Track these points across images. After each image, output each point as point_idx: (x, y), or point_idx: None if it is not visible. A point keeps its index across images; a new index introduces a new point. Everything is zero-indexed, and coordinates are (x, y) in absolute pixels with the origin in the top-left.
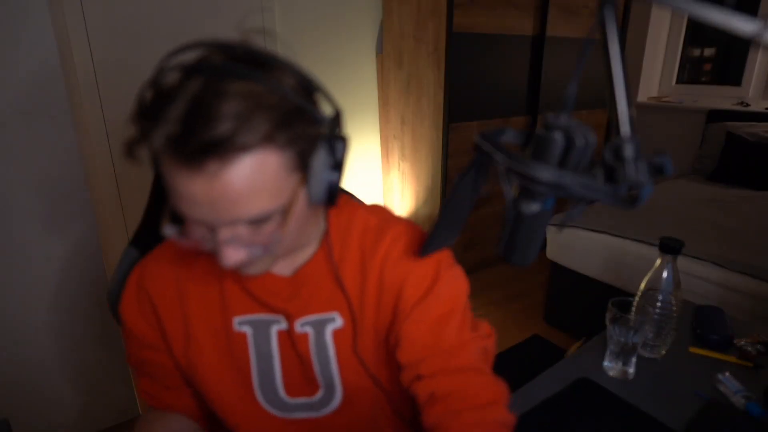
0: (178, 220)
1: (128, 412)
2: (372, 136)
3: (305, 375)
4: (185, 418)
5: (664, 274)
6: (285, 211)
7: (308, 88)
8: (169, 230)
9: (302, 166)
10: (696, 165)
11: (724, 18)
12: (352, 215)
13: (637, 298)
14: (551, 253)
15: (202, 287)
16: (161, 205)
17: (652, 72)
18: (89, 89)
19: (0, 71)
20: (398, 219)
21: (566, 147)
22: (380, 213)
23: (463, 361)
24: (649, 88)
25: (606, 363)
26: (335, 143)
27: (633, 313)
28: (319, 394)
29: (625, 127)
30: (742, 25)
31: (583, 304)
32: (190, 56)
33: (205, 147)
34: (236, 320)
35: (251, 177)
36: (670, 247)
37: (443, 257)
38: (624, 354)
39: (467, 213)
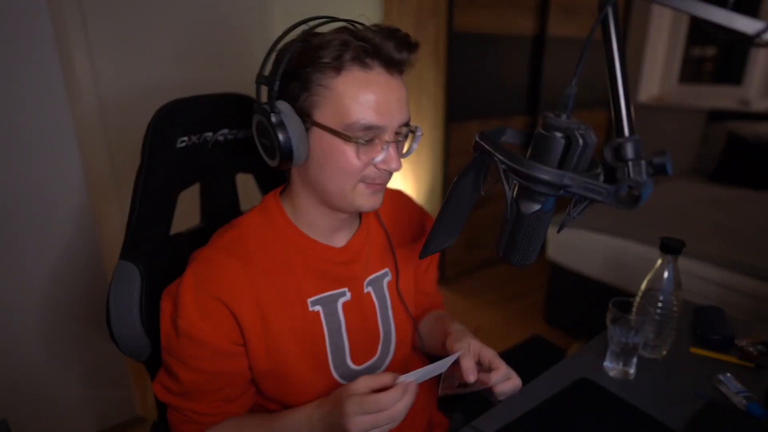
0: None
1: (127, 413)
2: None
3: (368, 338)
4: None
5: (665, 275)
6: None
7: None
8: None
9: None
10: (696, 165)
11: (725, 17)
12: None
13: (637, 299)
14: (551, 253)
15: (274, 277)
16: (157, 213)
17: (653, 71)
18: (89, 89)
19: (0, 71)
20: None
21: (566, 147)
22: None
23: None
24: (650, 88)
25: (606, 363)
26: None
27: (633, 314)
28: (378, 352)
29: (625, 127)
30: (743, 25)
31: (584, 305)
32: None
33: (405, 60)
34: (309, 302)
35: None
36: (670, 248)
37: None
38: (624, 354)
39: (467, 213)
